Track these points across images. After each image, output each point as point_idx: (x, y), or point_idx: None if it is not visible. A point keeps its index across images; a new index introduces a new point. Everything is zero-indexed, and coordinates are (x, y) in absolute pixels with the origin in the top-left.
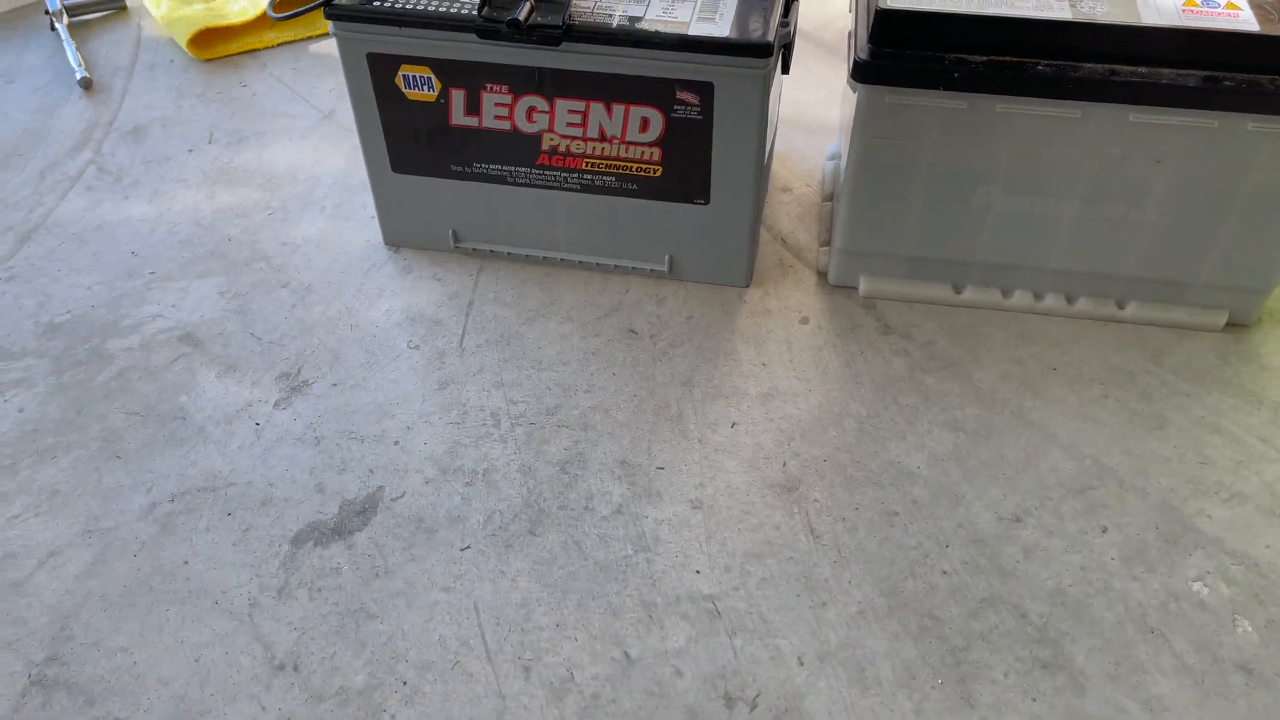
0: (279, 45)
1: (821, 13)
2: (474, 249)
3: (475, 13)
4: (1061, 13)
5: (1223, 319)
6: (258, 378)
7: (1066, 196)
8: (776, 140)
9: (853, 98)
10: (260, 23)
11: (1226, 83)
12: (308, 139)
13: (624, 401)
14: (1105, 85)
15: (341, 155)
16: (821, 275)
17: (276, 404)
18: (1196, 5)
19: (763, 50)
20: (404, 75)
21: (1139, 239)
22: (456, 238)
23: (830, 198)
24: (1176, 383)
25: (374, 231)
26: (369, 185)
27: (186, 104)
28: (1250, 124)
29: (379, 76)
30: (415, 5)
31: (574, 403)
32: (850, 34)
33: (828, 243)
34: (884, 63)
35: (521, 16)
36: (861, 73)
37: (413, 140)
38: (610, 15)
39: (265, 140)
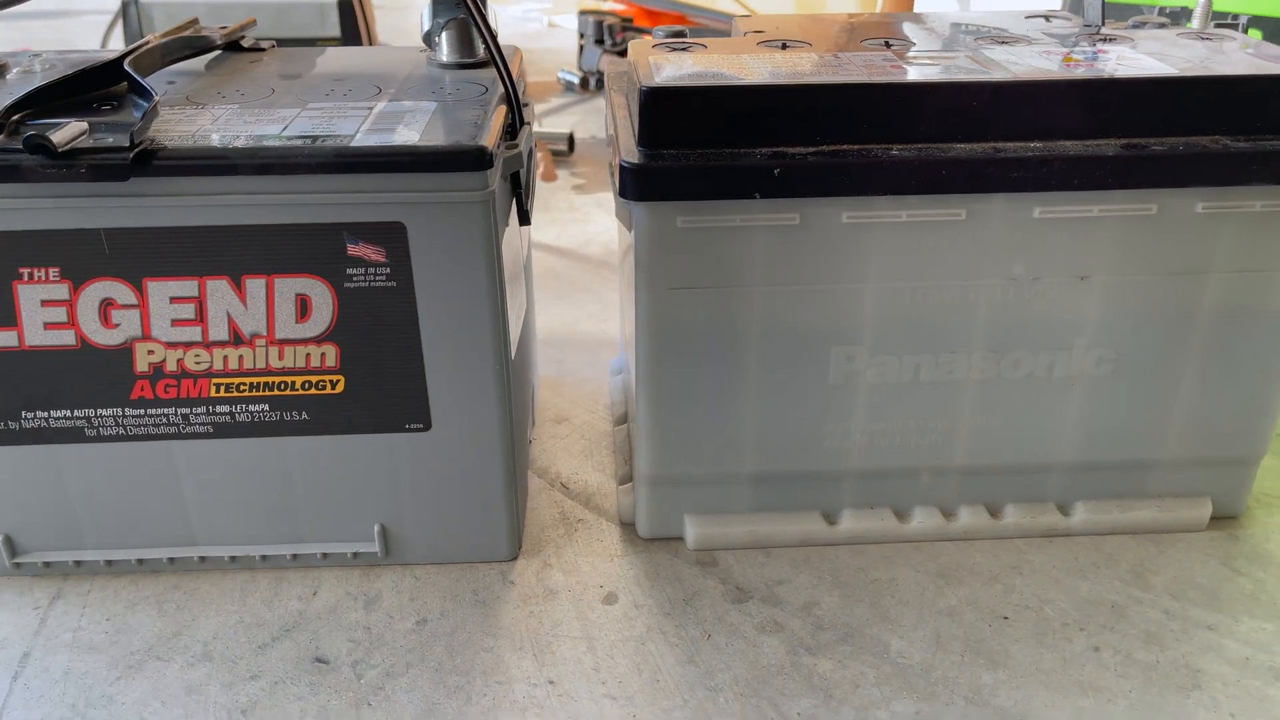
0: None
1: (581, 231)
2: (46, 563)
3: None
4: (904, 76)
5: (1206, 511)
6: None
7: (964, 350)
8: (541, 363)
9: (629, 242)
10: None
11: (1156, 147)
12: None
13: None
14: (991, 167)
15: None
16: (627, 527)
17: None
18: (1079, 62)
19: (475, 159)
20: None
21: (1074, 405)
22: (13, 548)
23: (624, 419)
24: (1184, 610)
25: None
26: None
27: None
28: (1199, 204)
29: None
30: None
31: None
32: (613, 150)
33: (630, 478)
34: (666, 166)
35: (56, 138)
36: (635, 184)
37: None
38: (222, 135)
39: None
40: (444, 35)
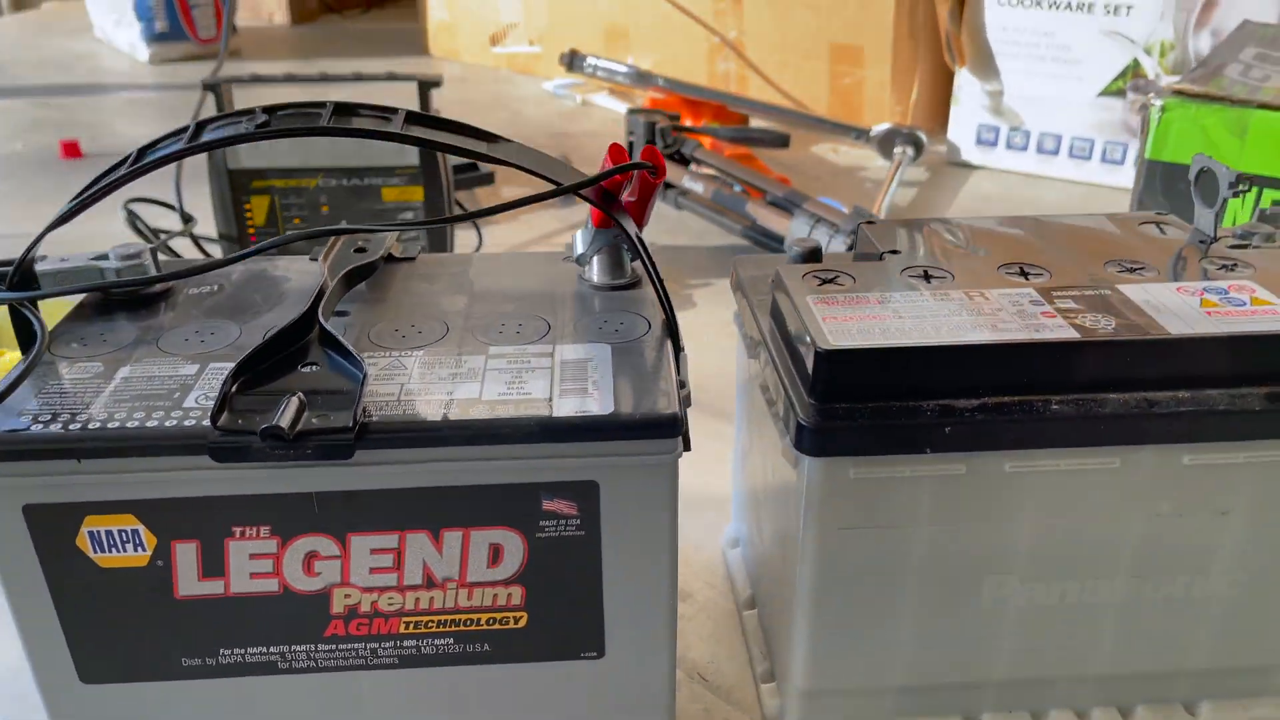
0: None
1: None
2: None
3: (207, 421)
4: (1061, 331)
5: None
6: None
7: (1108, 576)
8: None
9: (781, 469)
10: None
11: None
12: None
13: None
14: (1145, 421)
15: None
16: None
17: None
18: (1216, 305)
19: (669, 427)
20: (91, 532)
21: (1206, 620)
22: None
23: (752, 604)
24: None
25: None
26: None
27: None
28: None
29: (48, 539)
30: (100, 420)
31: None
32: (772, 380)
33: (772, 677)
34: (841, 423)
35: (284, 423)
36: (813, 442)
37: (112, 631)
38: (427, 400)
39: None
40: (596, 260)
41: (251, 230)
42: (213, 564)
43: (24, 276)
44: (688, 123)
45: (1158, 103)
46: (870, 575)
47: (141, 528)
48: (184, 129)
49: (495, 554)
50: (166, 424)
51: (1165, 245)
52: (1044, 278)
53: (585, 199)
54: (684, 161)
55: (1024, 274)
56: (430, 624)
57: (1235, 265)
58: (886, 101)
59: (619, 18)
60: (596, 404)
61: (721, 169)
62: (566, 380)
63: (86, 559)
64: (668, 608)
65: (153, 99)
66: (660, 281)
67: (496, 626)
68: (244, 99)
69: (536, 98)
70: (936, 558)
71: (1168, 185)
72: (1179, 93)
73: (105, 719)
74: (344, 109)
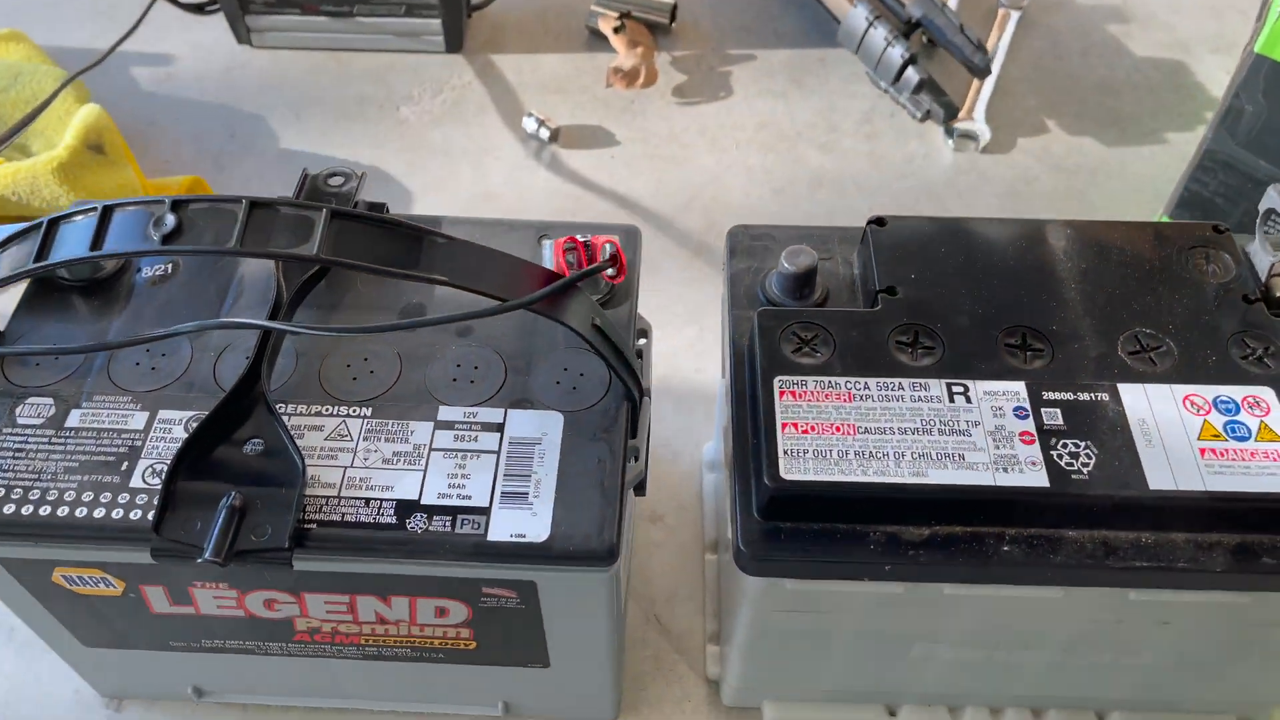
0: None
1: (681, 179)
2: (225, 704)
3: (150, 523)
4: (1032, 474)
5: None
6: None
7: (1037, 649)
8: None
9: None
10: None
11: (1266, 559)
12: None
13: None
14: (1099, 571)
15: None
16: (713, 684)
17: None
18: (1217, 438)
19: (603, 557)
20: (65, 576)
21: (1129, 677)
22: (200, 692)
23: (715, 548)
24: None
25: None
26: None
27: None
28: None
29: (27, 577)
30: (51, 501)
31: None
32: (728, 424)
33: (717, 637)
34: (782, 551)
35: (220, 555)
36: (751, 565)
37: (103, 623)
38: (365, 500)
39: None
40: None
41: None
42: (180, 598)
43: None
44: None
45: None
46: (803, 638)
47: (109, 576)
48: (92, 207)
49: (441, 611)
50: (114, 514)
51: (1201, 296)
52: (1044, 359)
53: (537, 312)
54: None
55: (1024, 346)
56: (387, 641)
57: (1267, 350)
58: None
59: None
60: (534, 522)
61: None
62: (510, 478)
63: (65, 589)
64: (610, 645)
65: None
66: (617, 359)
67: (449, 647)
68: None
69: None
70: (868, 636)
71: (1270, 86)
72: None
73: (110, 661)
74: (261, 206)
